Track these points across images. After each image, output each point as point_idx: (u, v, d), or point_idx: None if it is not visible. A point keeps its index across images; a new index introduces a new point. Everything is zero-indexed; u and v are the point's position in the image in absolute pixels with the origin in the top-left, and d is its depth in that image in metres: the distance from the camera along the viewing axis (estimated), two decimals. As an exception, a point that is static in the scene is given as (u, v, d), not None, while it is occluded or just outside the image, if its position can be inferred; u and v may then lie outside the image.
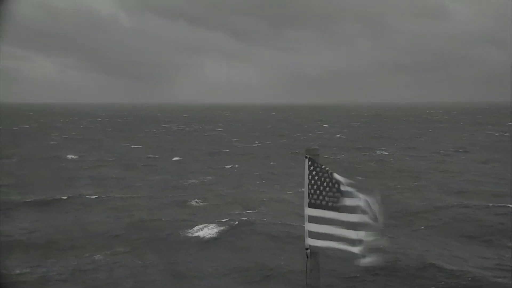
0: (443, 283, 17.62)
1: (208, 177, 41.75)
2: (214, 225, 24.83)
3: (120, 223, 25.63)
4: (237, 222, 25.45)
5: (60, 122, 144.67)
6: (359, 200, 5.67)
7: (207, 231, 23.80)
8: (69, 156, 56.01)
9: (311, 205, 5.92)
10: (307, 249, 5.93)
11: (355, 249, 5.65)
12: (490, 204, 29.24)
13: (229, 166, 48.60)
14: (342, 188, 5.78)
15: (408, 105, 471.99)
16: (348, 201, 5.73)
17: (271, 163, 52.66)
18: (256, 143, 77.45)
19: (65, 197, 31.78)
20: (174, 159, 55.59)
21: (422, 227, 24.80)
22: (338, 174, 5.92)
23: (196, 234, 23.39)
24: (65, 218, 26.85)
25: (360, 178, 39.01)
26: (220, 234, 23.59)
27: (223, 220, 25.81)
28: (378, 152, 61.35)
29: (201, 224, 24.87)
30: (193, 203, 31.16)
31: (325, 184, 5.85)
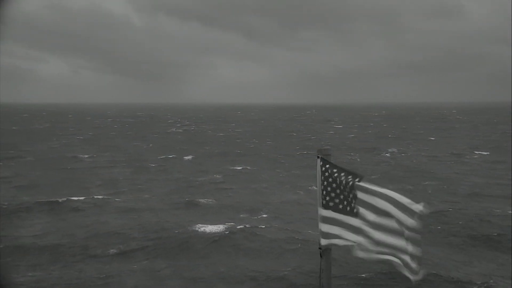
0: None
1: (219, 178, 41.78)
2: (224, 227, 24.69)
3: (131, 226, 25.40)
4: (247, 225, 25.17)
5: (73, 122, 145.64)
6: (373, 206, 5.46)
7: (218, 233, 23.58)
8: (82, 156, 56.43)
9: (324, 206, 5.86)
10: (320, 248, 5.93)
11: (365, 253, 5.55)
12: (498, 210, 28.47)
13: (240, 167, 48.57)
14: (357, 193, 5.58)
15: (421, 105, 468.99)
16: (361, 207, 5.56)
17: (282, 161, 52.83)
18: (268, 142, 77.56)
19: (76, 199, 31.63)
20: (186, 158, 55.93)
21: (427, 231, 23.89)
22: (351, 173, 5.74)
23: (206, 237, 23.15)
24: (76, 221, 26.71)
25: (373, 177, 38.93)
26: (230, 236, 23.33)
27: (233, 222, 25.67)
28: (389, 152, 60.99)
29: (211, 226, 24.75)
30: (204, 204, 31.03)
31: (338, 185, 5.75)
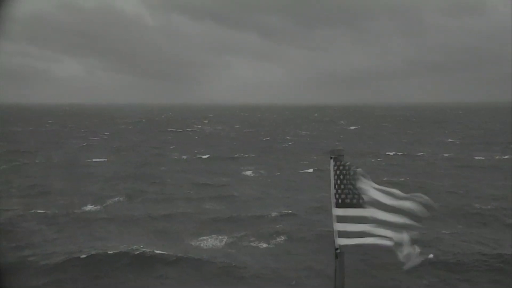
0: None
1: (229, 181, 40.98)
2: (226, 241, 23.69)
3: (136, 236, 24.66)
4: (253, 240, 23.91)
5: (88, 122, 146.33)
6: (389, 197, 5.66)
7: (218, 250, 22.32)
8: (97, 160, 55.39)
9: (338, 205, 5.92)
10: (336, 249, 5.95)
11: (388, 244, 5.62)
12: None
13: (250, 170, 47.97)
14: (368, 186, 5.78)
15: (441, 105, 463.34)
16: (375, 198, 5.72)
17: (294, 164, 51.96)
18: (283, 144, 77.13)
19: (87, 209, 30.73)
20: (199, 160, 55.87)
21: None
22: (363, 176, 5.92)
23: (205, 256, 21.37)
24: (83, 232, 25.34)
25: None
26: (232, 255, 21.69)
27: (239, 235, 24.51)
28: (402, 155, 59.72)
29: (211, 240, 23.90)
30: (211, 211, 30.08)
31: (351, 182, 5.85)
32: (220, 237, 24.47)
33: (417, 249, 5.42)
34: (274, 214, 28.83)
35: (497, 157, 56.04)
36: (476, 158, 56.03)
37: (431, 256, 20.27)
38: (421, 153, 60.89)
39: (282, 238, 24.21)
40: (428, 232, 23.04)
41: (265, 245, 23.30)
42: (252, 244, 23.54)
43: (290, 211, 29.41)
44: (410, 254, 5.41)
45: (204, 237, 24.43)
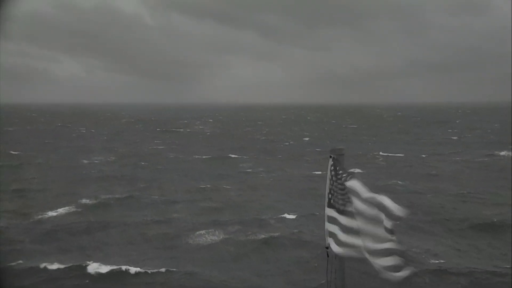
0: None
1: (224, 182, 40.61)
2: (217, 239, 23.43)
3: (134, 239, 24.40)
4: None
5: (89, 122, 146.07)
6: (371, 210, 5.38)
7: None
8: (96, 160, 55.05)
9: (329, 205, 5.96)
10: (327, 248, 5.97)
11: (364, 255, 5.48)
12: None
13: (251, 169, 47.67)
14: (355, 194, 5.59)
15: (442, 105, 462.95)
16: (358, 208, 5.54)
17: (295, 163, 51.61)
18: (284, 143, 76.85)
19: (84, 209, 30.37)
20: (195, 160, 55.59)
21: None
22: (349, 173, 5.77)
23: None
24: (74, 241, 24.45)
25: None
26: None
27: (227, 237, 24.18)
28: (404, 155, 59.38)
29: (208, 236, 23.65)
30: (204, 211, 29.85)
31: (342, 186, 5.79)
32: (217, 238, 24.23)
33: (401, 262, 5.06)
34: (274, 216, 28.50)
35: (497, 157, 55.77)
36: (477, 158, 55.75)
37: (434, 261, 20.06)
38: (422, 154, 60.61)
39: (281, 240, 23.83)
40: (429, 234, 22.78)
41: (263, 248, 23.02)
42: (250, 246, 23.23)
43: (291, 213, 29.06)
44: (391, 266, 5.09)
45: (202, 238, 24.18)
